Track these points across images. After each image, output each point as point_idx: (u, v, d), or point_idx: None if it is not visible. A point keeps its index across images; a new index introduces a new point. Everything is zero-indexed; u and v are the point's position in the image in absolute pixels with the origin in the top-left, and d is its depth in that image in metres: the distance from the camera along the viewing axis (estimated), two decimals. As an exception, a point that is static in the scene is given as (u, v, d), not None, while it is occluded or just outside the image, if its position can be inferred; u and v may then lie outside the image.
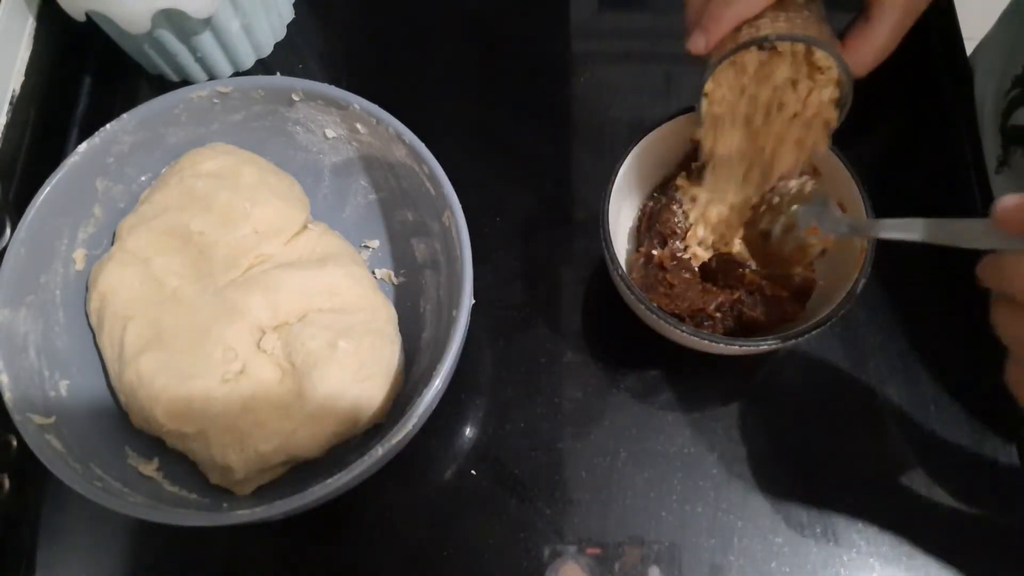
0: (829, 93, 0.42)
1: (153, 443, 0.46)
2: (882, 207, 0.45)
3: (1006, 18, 0.61)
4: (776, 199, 0.45)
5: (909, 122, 0.59)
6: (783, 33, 0.38)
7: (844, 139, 0.44)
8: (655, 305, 0.45)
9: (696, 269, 0.49)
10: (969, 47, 0.63)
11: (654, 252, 0.49)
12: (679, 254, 0.49)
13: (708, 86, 0.42)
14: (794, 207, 0.44)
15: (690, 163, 0.50)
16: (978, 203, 0.55)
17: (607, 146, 0.58)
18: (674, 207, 0.49)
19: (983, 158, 0.57)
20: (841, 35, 0.42)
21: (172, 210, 0.49)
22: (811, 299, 0.48)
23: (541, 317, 0.53)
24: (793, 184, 0.45)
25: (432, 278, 0.51)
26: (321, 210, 0.54)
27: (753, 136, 0.45)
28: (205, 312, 0.46)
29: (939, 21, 0.62)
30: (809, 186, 0.44)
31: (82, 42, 0.62)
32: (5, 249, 0.45)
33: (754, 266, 0.47)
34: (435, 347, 0.47)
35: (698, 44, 0.40)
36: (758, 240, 0.45)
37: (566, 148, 0.59)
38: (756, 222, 0.45)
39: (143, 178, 0.52)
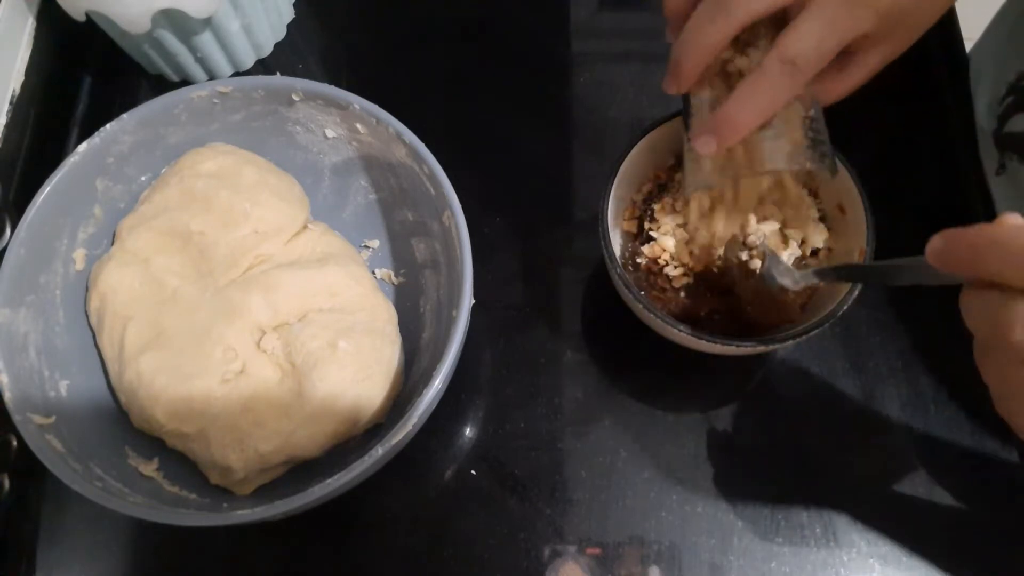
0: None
1: (153, 443, 0.46)
2: (881, 208, 0.45)
3: (996, 24, 0.61)
4: (734, 260, 0.46)
5: (909, 123, 0.59)
6: (785, 167, 0.40)
7: (844, 140, 0.44)
8: (654, 305, 0.45)
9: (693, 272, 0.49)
10: (968, 48, 0.63)
11: (644, 254, 0.49)
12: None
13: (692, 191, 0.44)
14: (758, 269, 0.45)
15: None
16: (978, 204, 0.55)
17: (607, 146, 0.58)
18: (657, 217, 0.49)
19: (981, 160, 0.57)
20: None
21: (172, 210, 0.49)
22: (811, 299, 0.48)
23: (541, 317, 0.53)
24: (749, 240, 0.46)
25: (432, 278, 0.51)
26: (321, 210, 0.54)
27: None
28: (205, 312, 0.46)
29: (938, 21, 0.61)
30: (755, 240, 0.45)
31: (82, 42, 0.62)
32: (5, 249, 0.45)
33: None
34: (435, 347, 0.47)
35: (709, 147, 0.40)
36: (746, 298, 0.46)
37: (566, 148, 0.59)
38: (733, 282, 0.46)
39: (143, 178, 0.52)
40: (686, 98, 0.43)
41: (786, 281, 0.43)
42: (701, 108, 0.42)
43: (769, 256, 0.44)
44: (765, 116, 0.39)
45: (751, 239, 0.46)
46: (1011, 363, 0.29)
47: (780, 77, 0.38)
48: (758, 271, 0.44)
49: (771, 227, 0.47)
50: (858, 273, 0.42)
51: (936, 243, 0.31)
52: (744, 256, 0.45)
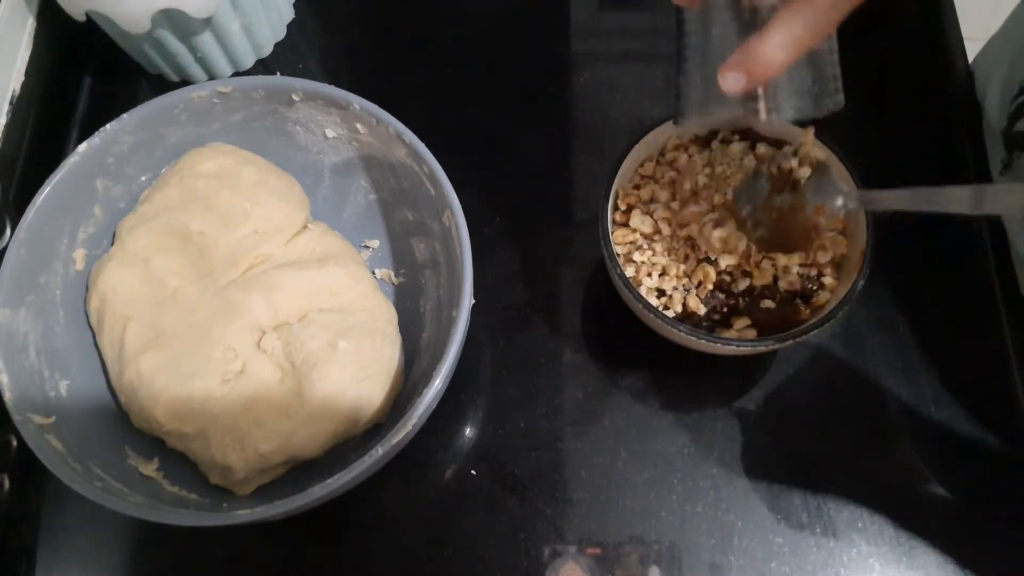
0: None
1: (153, 443, 0.46)
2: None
3: (1012, 24, 0.60)
4: (773, 170, 0.43)
5: (910, 122, 0.59)
6: (808, 115, 0.38)
7: (845, 140, 0.44)
8: (654, 305, 0.45)
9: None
10: (970, 47, 0.63)
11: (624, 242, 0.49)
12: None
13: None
14: (804, 181, 0.41)
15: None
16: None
17: (607, 146, 0.58)
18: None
19: (986, 160, 0.57)
20: None
21: (172, 210, 0.49)
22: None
23: (541, 317, 0.53)
24: (789, 155, 0.43)
25: (432, 278, 0.51)
26: (321, 210, 0.54)
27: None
28: (205, 312, 0.46)
29: (939, 21, 0.62)
30: (806, 157, 0.42)
31: (82, 42, 0.62)
32: (5, 249, 0.45)
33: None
34: (435, 347, 0.47)
35: (738, 85, 0.35)
36: (765, 220, 0.43)
37: (566, 148, 0.59)
38: (757, 199, 0.43)
39: (143, 178, 0.52)
40: (679, 13, 0.40)
41: (835, 200, 0.39)
42: (695, 26, 0.39)
43: (821, 167, 0.41)
44: (803, 51, 0.35)
45: (804, 149, 0.42)
46: None
47: (827, 9, 0.34)
48: (802, 182, 0.41)
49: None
50: (918, 198, 0.38)
51: None
52: (793, 163, 0.42)
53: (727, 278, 0.47)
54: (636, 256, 0.47)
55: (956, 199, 0.34)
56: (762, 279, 0.46)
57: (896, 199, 0.39)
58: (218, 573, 0.48)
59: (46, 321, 0.46)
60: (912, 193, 0.38)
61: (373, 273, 0.53)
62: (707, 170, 0.49)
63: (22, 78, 0.57)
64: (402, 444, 0.40)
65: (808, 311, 0.46)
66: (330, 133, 0.52)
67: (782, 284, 0.46)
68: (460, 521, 0.48)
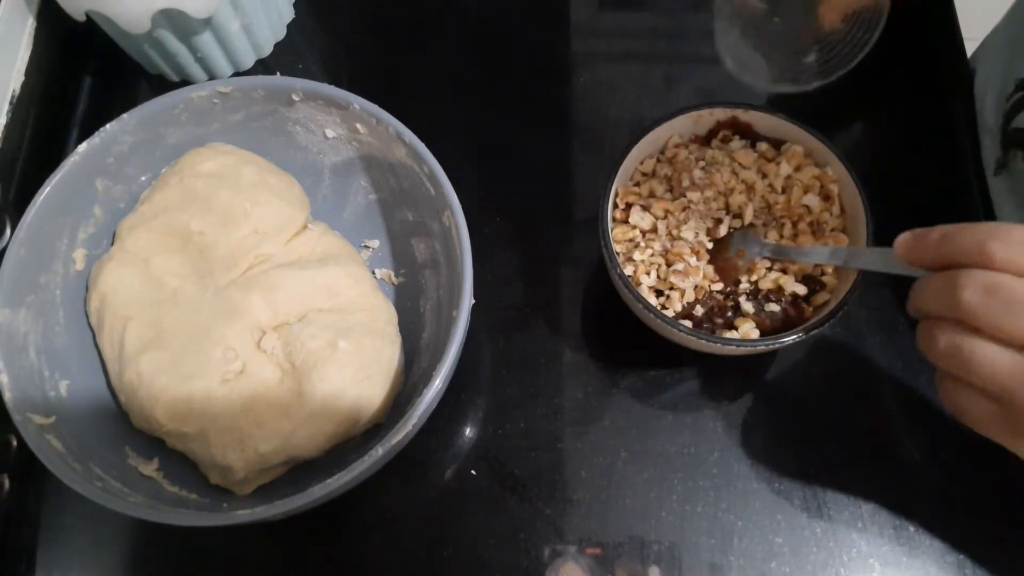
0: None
1: (153, 443, 0.46)
2: (881, 208, 0.45)
3: (1008, 21, 0.61)
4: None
5: (909, 122, 0.59)
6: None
7: (844, 139, 0.44)
8: (654, 305, 0.45)
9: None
10: (970, 47, 0.63)
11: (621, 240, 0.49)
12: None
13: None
14: (731, 231, 0.48)
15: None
16: (978, 204, 0.55)
17: (607, 146, 0.58)
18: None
19: (983, 160, 0.57)
20: None
21: (172, 210, 0.49)
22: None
23: (541, 317, 0.53)
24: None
25: (432, 278, 0.51)
26: (321, 210, 0.54)
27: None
28: (205, 312, 0.46)
29: (939, 20, 0.62)
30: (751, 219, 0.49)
31: (82, 42, 0.62)
32: (5, 249, 0.45)
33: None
34: (435, 347, 0.47)
35: None
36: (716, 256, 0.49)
37: (566, 148, 0.59)
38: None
39: (143, 178, 0.52)
40: None
41: (752, 249, 0.46)
42: None
43: (747, 227, 0.47)
44: None
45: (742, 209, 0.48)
46: (959, 331, 0.33)
47: None
48: (731, 230, 0.48)
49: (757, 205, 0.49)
50: (806, 255, 0.44)
51: (905, 236, 0.36)
52: (724, 216, 0.48)
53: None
54: (636, 255, 0.48)
55: (866, 259, 0.40)
56: (767, 284, 0.46)
57: (801, 255, 0.45)
58: (218, 573, 0.48)
59: (46, 321, 0.46)
60: (818, 251, 0.44)
61: (373, 273, 0.53)
62: (701, 164, 0.49)
63: (22, 78, 0.57)
64: (402, 444, 0.40)
65: (809, 310, 0.46)
66: (330, 133, 0.52)
67: (787, 288, 0.46)
68: (460, 521, 0.48)
